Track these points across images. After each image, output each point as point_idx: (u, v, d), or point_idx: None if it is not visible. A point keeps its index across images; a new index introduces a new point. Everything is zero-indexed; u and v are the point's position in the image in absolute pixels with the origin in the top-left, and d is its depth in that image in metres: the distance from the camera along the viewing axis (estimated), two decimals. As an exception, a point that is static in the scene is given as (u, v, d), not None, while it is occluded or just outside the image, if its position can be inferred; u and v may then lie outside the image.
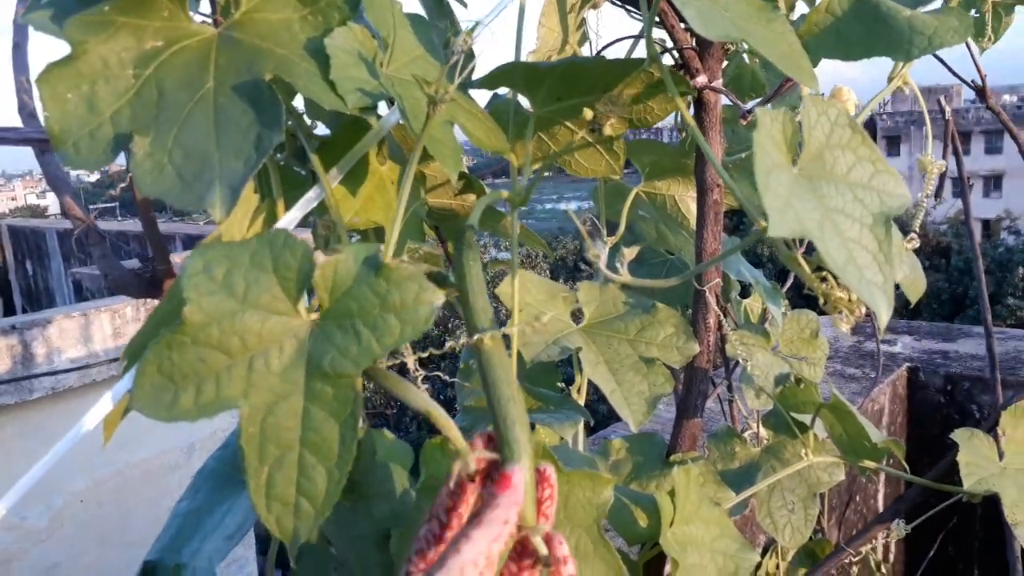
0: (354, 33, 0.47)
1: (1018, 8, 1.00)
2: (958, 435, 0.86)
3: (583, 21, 0.83)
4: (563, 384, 0.93)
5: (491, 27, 0.58)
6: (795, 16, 0.79)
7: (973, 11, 0.98)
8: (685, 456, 0.84)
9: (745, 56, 1.08)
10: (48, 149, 0.85)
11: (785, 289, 1.21)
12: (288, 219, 0.55)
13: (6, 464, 2.64)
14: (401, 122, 0.52)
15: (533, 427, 0.77)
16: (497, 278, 0.82)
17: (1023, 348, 2.24)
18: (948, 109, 1.14)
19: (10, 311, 5.97)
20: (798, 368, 1.04)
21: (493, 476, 0.44)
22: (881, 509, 1.97)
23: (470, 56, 0.51)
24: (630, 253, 0.51)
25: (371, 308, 0.39)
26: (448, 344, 0.47)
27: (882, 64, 0.74)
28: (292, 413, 0.39)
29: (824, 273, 0.48)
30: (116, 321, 3.06)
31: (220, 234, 0.49)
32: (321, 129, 0.62)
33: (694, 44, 0.75)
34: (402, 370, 0.71)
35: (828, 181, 0.46)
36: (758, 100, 1.00)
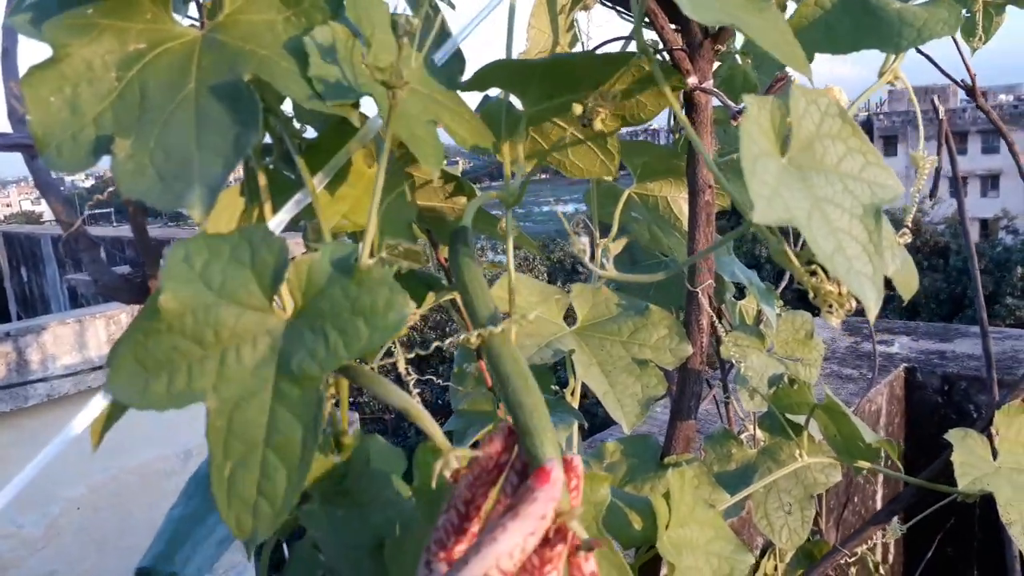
0: (334, 32, 0.46)
1: (1010, 8, 1.00)
2: (952, 435, 0.86)
3: (573, 23, 0.83)
4: (557, 387, 0.92)
5: (454, 5, 0.57)
6: (787, 16, 0.79)
7: (964, 11, 0.98)
8: (679, 458, 0.84)
9: (738, 57, 1.08)
10: (37, 154, 0.84)
11: (780, 290, 1.21)
12: (276, 222, 0.54)
13: (2, 471, 2.63)
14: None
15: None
16: (493, 281, 0.82)
17: (1020, 348, 2.24)
18: (941, 108, 1.14)
19: (5, 318, 5.96)
20: (793, 369, 1.04)
21: (516, 467, 0.44)
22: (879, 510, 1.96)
23: (443, 39, 0.51)
24: (616, 247, 0.51)
25: (341, 311, 0.39)
26: (434, 344, 0.47)
27: (875, 64, 0.74)
28: (260, 411, 0.39)
29: (814, 266, 0.47)
30: (111, 327, 3.06)
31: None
32: (312, 134, 0.61)
33: (684, 45, 0.74)
34: (399, 377, 0.70)
35: (818, 171, 0.46)
36: (750, 100, 1.00)
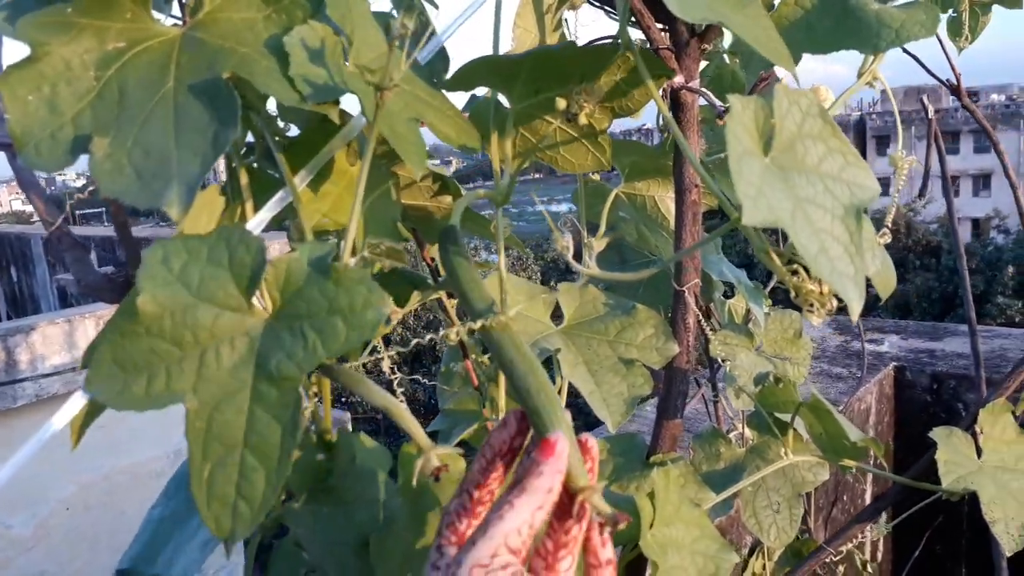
0: (314, 30, 0.46)
1: (997, 9, 1.01)
2: (937, 433, 0.86)
3: (560, 22, 0.83)
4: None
5: (437, 4, 0.57)
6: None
7: (951, 11, 0.98)
8: (665, 457, 0.84)
9: (726, 56, 1.08)
10: (21, 153, 0.84)
11: (770, 289, 1.21)
12: (257, 221, 0.54)
13: (-9, 471, 2.61)
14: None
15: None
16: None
17: (1008, 346, 2.25)
18: (931, 109, 1.15)
19: (-4, 317, 5.93)
20: (782, 368, 1.04)
21: (530, 451, 0.43)
22: (869, 508, 1.97)
23: (429, 38, 0.50)
24: (599, 244, 0.51)
25: (319, 311, 0.38)
26: (415, 341, 0.47)
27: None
28: (239, 411, 0.39)
29: (795, 265, 0.48)
30: (100, 327, 3.04)
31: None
32: (296, 132, 0.61)
33: (670, 45, 0.75)
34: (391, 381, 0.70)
35: (799, 171, 0.46)
36: (737, 99, 1.00)
